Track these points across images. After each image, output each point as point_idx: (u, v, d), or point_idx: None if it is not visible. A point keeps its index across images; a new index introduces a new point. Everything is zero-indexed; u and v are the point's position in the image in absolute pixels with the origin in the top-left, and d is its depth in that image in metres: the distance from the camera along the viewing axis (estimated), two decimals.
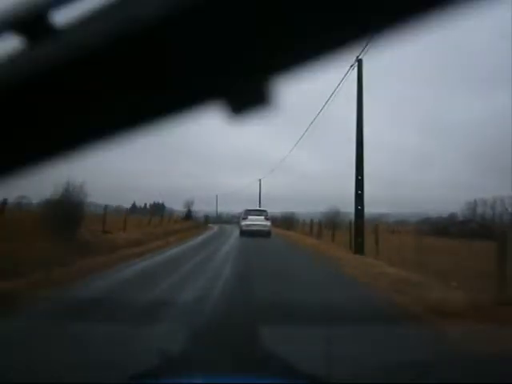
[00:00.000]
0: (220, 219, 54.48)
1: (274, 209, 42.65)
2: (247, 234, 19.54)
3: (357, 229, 12.29)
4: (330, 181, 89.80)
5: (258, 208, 22.80)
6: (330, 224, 22.84)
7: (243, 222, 21.03)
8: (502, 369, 1.42)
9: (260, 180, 47.93)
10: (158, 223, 22.60)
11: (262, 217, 21.14)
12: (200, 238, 17.41)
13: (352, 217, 13.15)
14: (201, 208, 60.67)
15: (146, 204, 61.31)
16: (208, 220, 52.59)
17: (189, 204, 49.82)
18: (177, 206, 53.79)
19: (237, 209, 32.29)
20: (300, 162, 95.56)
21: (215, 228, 30.97)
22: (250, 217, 20.98)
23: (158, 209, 58.94)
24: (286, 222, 32.79)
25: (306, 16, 0.32)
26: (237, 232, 21.32)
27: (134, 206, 55.38)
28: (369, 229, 12.57)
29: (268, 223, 21.12)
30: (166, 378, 1.33)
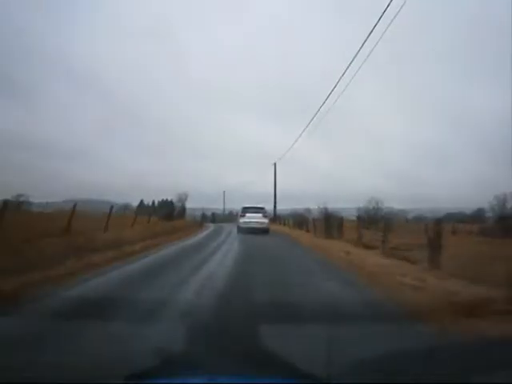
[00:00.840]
0: (228, 217, 52.55)
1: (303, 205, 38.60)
2: (245, 231, 19.54)
3: None
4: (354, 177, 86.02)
5: (255, 205, 22.59)
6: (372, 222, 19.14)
7: (241, 220, 20.93)
8: None
9: (275, 164, 41.69)
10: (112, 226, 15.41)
11: (260, 214, 20.95)
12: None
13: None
14: (209, 206, 59.81)
15: (153, 201, 60.56)
16: (214, 219, 50.70)
17: (182, 198, 44.47)
18: (188, 203, 52.65)
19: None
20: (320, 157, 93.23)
21: (203, 234, 21.21)
22: (247, 214, 20.77)
23: (166, 206, 58.00)
24: (327, 225, 17.18)
25: None
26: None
27: (141, 203, 54.60)
28: (409, 228, 8.46)
29: (266, 220, 20.94)
30: (165, 378, 1.30)
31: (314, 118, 21.16)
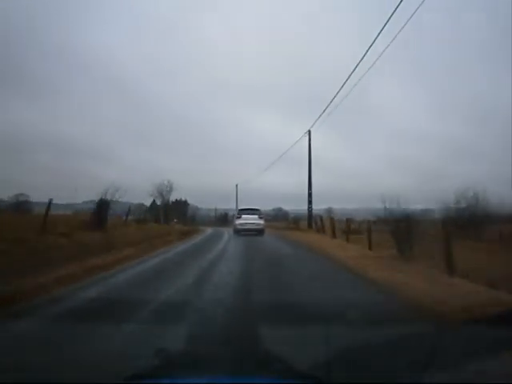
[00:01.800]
0: None
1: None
2: (241, 232, 20.15)
3: None
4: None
5: (251, 207, 22.64)
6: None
7: (237, 221, 21.34)
8: None
9: (309, 132, 28.21)
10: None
11: (256, 215, 21.30)
12: None
13: None
14: (223, 206, 58.29)
15: (167, 201, 59.18)
16: (226, 220, 48.06)
17: (163, 191, 37.56)
18: (204, 204, 50.86)
19: (264, 205, 26.87)
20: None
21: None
22: (243, 216, 21.18)
23: (179, 206, 56.65)
24: None
25: None
26: None
27: (153, 203, 53.07)
28: None
29: (261, 221, 21.25)
30: (165, 377, 1.30)
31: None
